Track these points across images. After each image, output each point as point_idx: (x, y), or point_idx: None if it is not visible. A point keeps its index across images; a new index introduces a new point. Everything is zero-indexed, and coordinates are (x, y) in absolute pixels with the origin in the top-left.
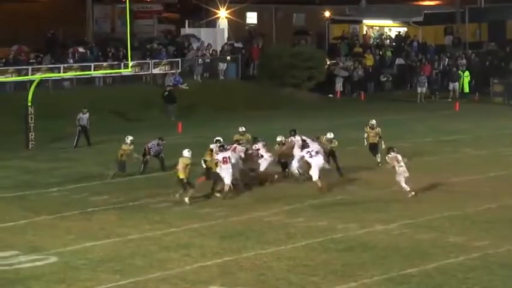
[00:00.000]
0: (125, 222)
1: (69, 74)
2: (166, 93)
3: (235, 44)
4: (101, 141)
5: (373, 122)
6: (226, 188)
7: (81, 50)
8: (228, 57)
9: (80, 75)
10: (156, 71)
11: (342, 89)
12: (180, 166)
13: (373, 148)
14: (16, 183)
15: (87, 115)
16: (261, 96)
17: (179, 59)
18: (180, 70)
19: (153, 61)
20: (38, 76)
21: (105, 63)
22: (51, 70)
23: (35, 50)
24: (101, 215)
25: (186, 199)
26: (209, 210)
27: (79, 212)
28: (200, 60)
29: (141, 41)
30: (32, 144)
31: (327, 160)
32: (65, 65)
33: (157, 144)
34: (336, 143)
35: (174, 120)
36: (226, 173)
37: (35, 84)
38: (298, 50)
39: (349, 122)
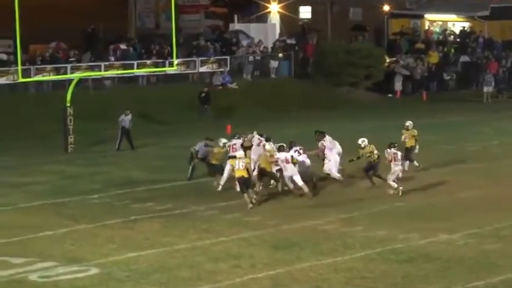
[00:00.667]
0: (171, 231)
1: (111, 73)
2: (204, 94)
3: (288, 41)
4: (144, 145)
5: (407, 123)
6: (306, 189)
7: (123, 46)
8: (280, 55)
9: (122, 73)
10: (203, 69)
11: (401, 88)
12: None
13: (408, 152)
14: (54, 189)
15: (129, 116)
16: (315, 96)
17: (228, 57)
18: (228, 68)
19: (199, 59)
20: (77, 75)
21: (148, 61)
22: (91, 68)
23: (74, 47)
24: (144, 224)
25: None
26: (259, 218)
27: (121, 220)
28: (250, 57)
29: (187, 37)
30: (71, 147)
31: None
32: (106, 63)
33: (205, 145)
34: (375, 153)
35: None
36: (292, 172)
37: (74, 83)
38: (355, 46)
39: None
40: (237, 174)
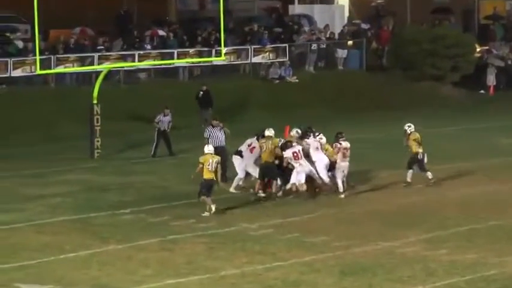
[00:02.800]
0: (216, 253)
1: (146, 64)
2: (202, 93)
3: (362, 25)
4: (185, 150)
5: (406, 126)
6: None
7: (161, 32)
8: (350, 43)
9: (160, 64)
10: (257, 59)
11: (495, 83)
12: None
13: (413, 160)
14: (78, 203)
15: (169, 117)
16: (392, 92)
17: (286, 45)
18: (288, 59)
19: (253, 47)
20: (106, 66)
21: (191, 50)
22: (123, 58)
23: (102, 33)
24: (185, 245)
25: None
26: (324, 239)
27: (158, 240)
28: (313, 46)
29: (238, 22)
30: (98, 152)
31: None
32: (141, 52)
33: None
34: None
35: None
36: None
37: (102, 76)
38: (439, 33)
39: (505, 126)
40: (206, 176)
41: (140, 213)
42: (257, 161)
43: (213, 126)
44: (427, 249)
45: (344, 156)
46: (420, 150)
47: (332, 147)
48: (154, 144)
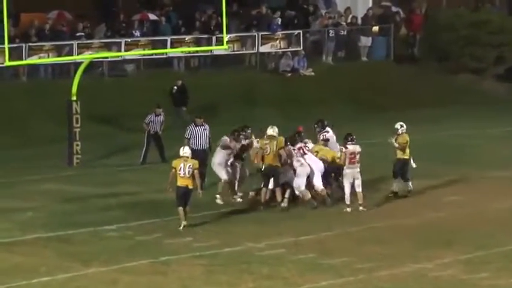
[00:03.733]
0: (217, 277)
1: (134, 53)
2: (176, 89)
3: (393, 8)
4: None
5: (398, 125)
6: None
7: (152, 16)
8: (375, 28)
9: (151, 54)
10: (265, 48)
11: None
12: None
13: (400, 167)
14: (55, 218)
15: (161, 117)
16: (424, 86)
17: (300, 31)
18: (302, 48)
19: (260, 34)
20: (87, 56)
21: (188, 37)
22: (107, 47)
23: (82, 17)
24: (180, 267)
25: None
26: (344, 260)
27: (149, 262)
28: (332, 32)
29: (244, 4)
30: (77, 158)
31: None
32: (128, 40)
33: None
34: None
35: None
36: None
37: (82, 68)
38: (481, 17)
39: None
40: (178, 183)
41: (127, 230)
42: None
43: (196, 125)
44: (466, 272)
45: (351, 161)
46: (405, 157)
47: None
48: (144, 148)
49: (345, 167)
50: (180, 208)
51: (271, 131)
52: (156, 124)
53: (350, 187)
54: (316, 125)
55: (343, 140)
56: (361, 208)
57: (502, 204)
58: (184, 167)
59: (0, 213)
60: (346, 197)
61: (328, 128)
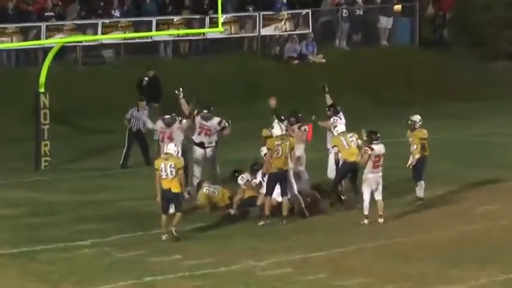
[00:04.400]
0: None
1: (114, 37)
2: (146, 80)
3: None
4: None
5: (414, 117)
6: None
7: None
8: (397, 7)
9: (133, 38)
10: (268, 31)
11: None
12: None
13: (417, 168)
14: (20, 232)
15: (146, 112)
16: (455, 75)
17: (309, 11)
18: (311, 30)
19: (261, 13)
20: (57, 40)
21: (176, 18)
22: (81, 29)
23: None
24: None
25: None
26: (361, 281)
27: (131, 284)
28: (345, 12)
29: None
30: (46, 161)
31: None
32: (106, 21)
33: None
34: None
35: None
36: None
37: (52, 54)
38: None
39: None
40: (163, 186)
41: (105, 246)
42: None
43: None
44: None
45: (374, 165)
46: (426, 153)
47: (361, 151)
48: (125, 149)
49: (366, 171)
50: (164, 216)
51: (278, 129)
52: (139, 120)
53: (370, 195)
54: (328, 110)
55: (367, 138)
56: (380, 220)
57: None
58: (165, 167)
59: None
60: (365, 206)
61: (341, 114)
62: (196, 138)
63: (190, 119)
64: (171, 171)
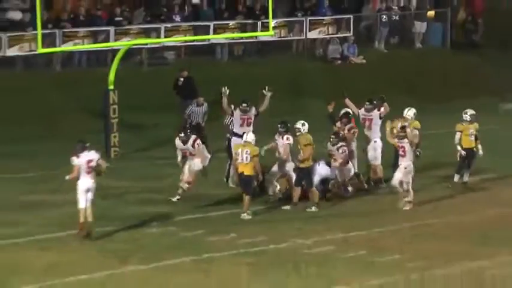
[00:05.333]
0: (263, 276)
1: (175, 40)
2: (182, 80)
3: None
4: (223, 148)
5: (470, 111)
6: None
7: (194, 0)
8: (430, 13)
9: (192, 40)
10: (313, 35)
11: None
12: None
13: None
14: (94, 213)
15: (204, 107)
16: (486, 76)
17: (351, 16)
18: (352, 34)
19: (308, 19)
20: (125, 43)
21: (232, 23)
22: (146, 33)
23: (120, 1)
24: (225, 265)
25: None
26: (396, 258)
27: (190, 260)
28: (384, 17)
29: None
30: (115, 151)
31: None
32: (168, 25)
33: None
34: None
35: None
36: None
37: (119, 55)
38: None
39: None
40: (239, 169)
41: (169, 226)
42: None
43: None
44: None
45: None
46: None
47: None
48: None
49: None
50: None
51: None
52: (197, 115)
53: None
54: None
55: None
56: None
57: None
58: (242, 153)
59: (32, 209)
60: (410, 192)
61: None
62: (238, 130)
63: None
64: (246, 157)
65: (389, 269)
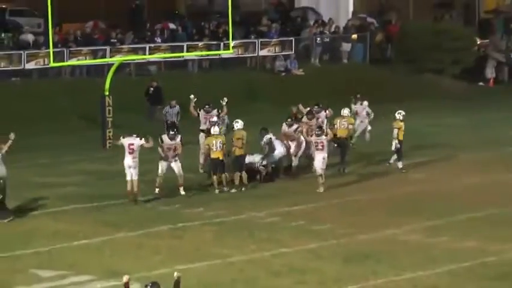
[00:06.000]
0: (225, 241)
1: (157, 56)
2: (152, 89)
3: (368, 19)
4: (194, 141)
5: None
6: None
7: (171, 26)
8: (354, 36)
9: (170, 57)
10: (263, 52)
11: (495, 75)
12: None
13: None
14: (91, 192)
15: (176, 108)
16: (394, 84)
17: (292, 38)
18: (293, 52)
19: (260, 40)
20: (117, 59)
21: (200, 43)
22: (134, 51)
23: (114, 26)
24: (195, 232)
25: None
26: (329, 227)
27: (168, 228)
28: (318, 39)
29: (246, 16)
30: (109, 143)
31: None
32: (151, 45)
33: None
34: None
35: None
36: None
37: (113, 68)
38: (442, 27)
39: (508, 117)
40: (214, 156)
41: (152, 202)
42: None
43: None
44: (428, 236)
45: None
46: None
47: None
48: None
49: None
50: (214, 176)
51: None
52: (171, 115)
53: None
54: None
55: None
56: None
57: (460, 181)
58: (215, 143)
59: (45, 188)
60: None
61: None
62: (203, 127)
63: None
64: (220, 146)
65: (324, 235)
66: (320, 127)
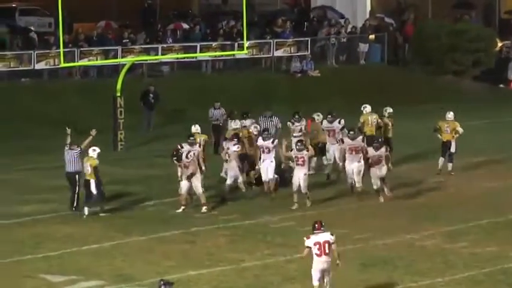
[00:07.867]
0: (238, 245)
1: (169, 57)
2: (150, 94)
3: (386, 19)
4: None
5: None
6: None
7: (184, 26)
8: (371, 37)
9: (183, 58)
10: (279, 53)
11: None
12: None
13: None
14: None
15: (221, 110)
16: (412, 86)
17: (308, 39)
18: (309, 52)
19: (275, 41)
20: (129, 59)
21: (214, 43)
22: (147, 52)
23: (126, 27)
24: (208, 236)
25: None
26: (345, 232)
27: (180, 232)
28: (334, 39)
29: (262, 15)
30: (121, 145)
31: None
32: (164, 45)
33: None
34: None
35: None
36: None
37: (125, 69)
38: (461, 27)
39: None
40: None
41: (164, 206)
42: None
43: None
44: (447, 241)
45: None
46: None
47: None
48: (213, 141)
49: None
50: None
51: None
52: (217, 116)
53: None
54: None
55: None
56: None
57: (480, 185)
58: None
59: (55, 191)
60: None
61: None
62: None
63: None
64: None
65: (340, 240)
66: (301, 141)
